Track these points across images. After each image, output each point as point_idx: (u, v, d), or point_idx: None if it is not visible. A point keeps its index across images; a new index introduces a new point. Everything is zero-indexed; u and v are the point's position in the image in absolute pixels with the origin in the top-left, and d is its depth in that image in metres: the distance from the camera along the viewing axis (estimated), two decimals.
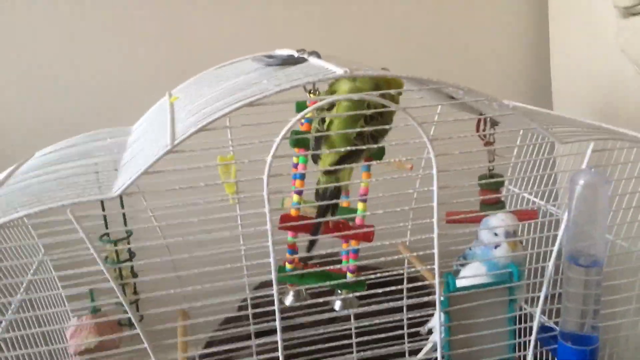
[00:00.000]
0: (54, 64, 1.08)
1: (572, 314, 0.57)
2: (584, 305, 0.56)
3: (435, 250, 0.56)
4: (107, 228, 0.73)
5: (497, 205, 0.70)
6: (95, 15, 1.07)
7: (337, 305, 0.72)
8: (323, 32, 1.15)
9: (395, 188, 0.58)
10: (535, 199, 0.77)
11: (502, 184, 0.70)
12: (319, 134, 0.57)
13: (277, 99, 0.50)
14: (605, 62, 0.94)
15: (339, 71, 0.51)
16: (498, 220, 0.64)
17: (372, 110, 0.54)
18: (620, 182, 0.63)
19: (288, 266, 0.69)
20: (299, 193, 0.65)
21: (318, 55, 0.61)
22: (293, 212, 0.64)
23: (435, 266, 0.56)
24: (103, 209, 0.71)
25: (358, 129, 0.56)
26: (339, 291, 0.71)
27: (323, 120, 0.58)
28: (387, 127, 0.57)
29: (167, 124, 0.54)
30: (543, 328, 0.64)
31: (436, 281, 0.57)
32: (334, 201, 0.60)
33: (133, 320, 0.52)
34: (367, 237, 0.64)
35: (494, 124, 0.67)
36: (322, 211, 0.61)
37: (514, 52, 1.23)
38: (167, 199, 0.59)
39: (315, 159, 0.62)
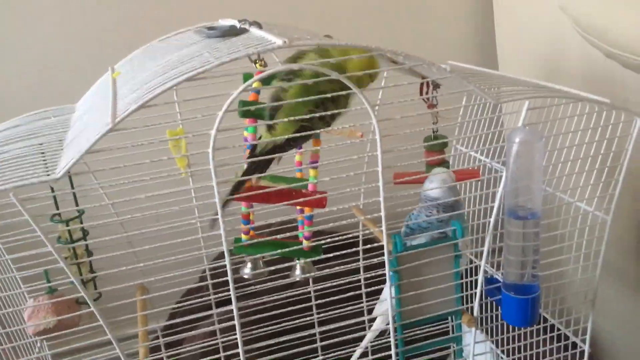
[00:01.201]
0: None
1: (512, 265, 0.60)
2: (524, 257, 0.59)
3: (382, 213, 0.58)
4: (57, 208, 0.72)
5: (442, 165, 0.72)
6: None
7: (297, 271, 0.74)
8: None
9: (346, 154, 0.60)
10: (481, 157, 0.80)
11: (445, 144, 0.72)
12: (276, 103, 0.58)
13: (219, 71, 0.50)
14: (546, 20, 0.96)
15: (278, 42, 0.51)
16: (436, 183, 0.66)
17: (323, 96, 0.54)
18: (559, 137, 0.66)
19: (243, 237, 0.70)
20: None
21: (259, 26, 0.61)
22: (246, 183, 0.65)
23: (383, 228, 0.58)
24: (52, 190, 0.70)
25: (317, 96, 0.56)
26: (297, 259, 0.72)
27: (283, 90, 0.58)
28: (342, 110, 0.57)
29: (109, 101, 0.53)
30: (489, 280, 0.67)
31: (384, 242, 0.59)
32: (264, 157, 0.59)
33: (86, 298, 0.53)
34: (320, 203, 0.66)
35: (436, 86, 0.69)
36: (251, 168, 0.60)
37: (458, 13, 1.24)
38: (117, 175, 0.59)
39: (269, 127, 0.62)
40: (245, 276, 0.74)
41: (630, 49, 0.71)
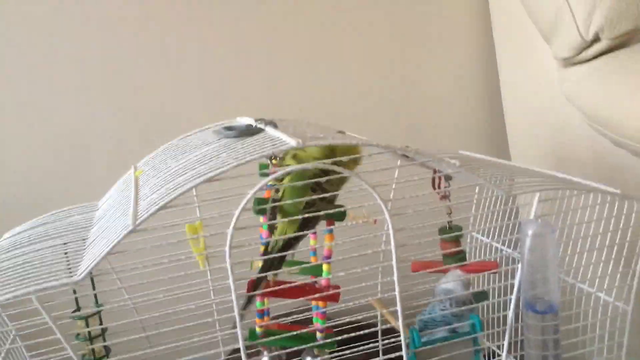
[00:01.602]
0: (11, 133, 1.08)
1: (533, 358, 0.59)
2: (544, 351, 0.58)
3: (399, 306, 0.58)
4: (78, 308, 0.73)
5: (458, 256, 0.72)
6: (62, 78, 1.08)
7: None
8: (285, 94, 1.19)
9: (361, 245, 0.61)
10: (498, 245, 0.80)
11: (460, 236, 0.73)
12: (273, 204, 0.60)
13: (235, 173, 0.52)
14: (554, 110, 0.98)
15: (292, 142, 0.54)
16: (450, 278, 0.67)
17: (313, 180, 0.57)
18: (573, 227, 0.67)
19: (258, 329, 0.70)
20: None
21: (275, 125, 0.64)
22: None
23: (400, 322, 0.58)
24: (74, 292, 0.72)
25: (307, 198, 0.59)
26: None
27: (277, 191, 0.60)
28: (335, 193, 0.59)
29: (131, 201, 0.56)
30: None
31: (402, 339, 0.58)
32: (277, 254, 0.61)
33: None
34: (334, 298, 0.66)
35: (448, 178, 0.70)
36: (266, 266, 0.62)
37: (469, 103, 1.28)
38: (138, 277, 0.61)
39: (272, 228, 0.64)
40: None
41: (637, 138, 0.73)
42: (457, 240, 0.73)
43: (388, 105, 1.23)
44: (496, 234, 0.81)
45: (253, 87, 1.16)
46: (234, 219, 0.52)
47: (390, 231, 0.56)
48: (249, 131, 0.65)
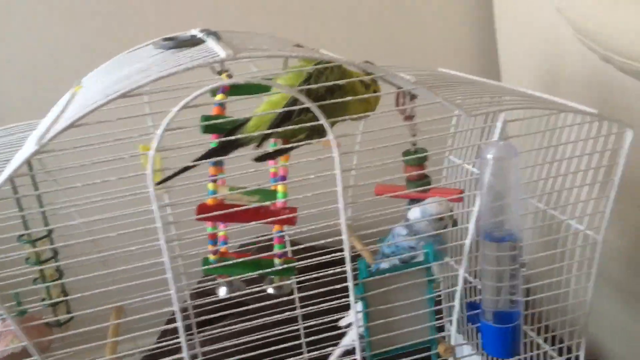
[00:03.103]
0: None
1: (489, 291, 0.55)
2: (498, 281, 0.54)
3: (344, 236, 0.54)
4: (25, 228, 0.70)
5: (422, 181, 0.67)
6: None
7: (270, 291, 0.71)
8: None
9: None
10: (471, 168, 0.74)
11: (424, 159, 0.67)
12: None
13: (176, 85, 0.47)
14: (545, 24, 0.90)
15: (222, 54, 0.48)
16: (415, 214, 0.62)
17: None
18: (556, 150, 0.61)
19: (211, 257, 0.66)
20: (214, 181, 0.62)
21: (217, 37, 0.58)
22: (210, 201, 0.62)
23: (346, 253, 0.54)
24: (20, 209, 0.69)
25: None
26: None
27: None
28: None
29: (49, 120, 0.51)
30: (472, 305, 0.62)
31: (347, 268, 0.55)
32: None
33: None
34: (290, 221, 0.62)
35: (413, 97, 0.64)
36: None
37: (457, 17, 1.19)
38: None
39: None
40: (221, 295, 0.71)
41: (625, 53, 0.66)
42: (421, 164, 0.67)
43: (369, 16, 1.14)
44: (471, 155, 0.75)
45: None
46: (156, 139, 0.47)
47: (335, 154, 0.51)
48: (189, 42, 0.59)
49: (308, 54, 0.51)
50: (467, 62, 1.20)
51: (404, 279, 0.57)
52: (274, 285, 0.72)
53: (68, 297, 0.75)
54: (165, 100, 0.52)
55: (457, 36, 1.20)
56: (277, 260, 0.66)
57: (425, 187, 0.66)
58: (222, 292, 0.71)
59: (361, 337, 0.58)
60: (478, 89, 0.66)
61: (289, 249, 0.76)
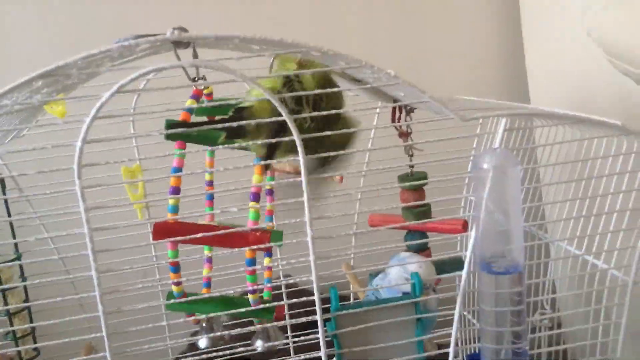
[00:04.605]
0: None
1: (487, 337, 0.44)
2: (498, 326, 0.43)
3: (314, 276, 0.45)
4: None
5: (421, 208, 0.58)
6: None
7: (258, 345, 0.61)
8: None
9: None
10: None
11: (422, 184, 0.58)
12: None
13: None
14: (576, 50, 0.82)
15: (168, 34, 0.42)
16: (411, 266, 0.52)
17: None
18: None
19: (175, 289, 0.57)
20: (176, 192, 0.54)
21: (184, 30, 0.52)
22: (170, 219, 0.54)
23: (316, 296, 0.45)
24: None
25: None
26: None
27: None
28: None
29: None
30: (471, 356, 0.52)
31: (316, 298, 0.45)
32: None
33: None
34: (260, 240, 0.53)
35: (410, 111, 0.56)
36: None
37: (488, 51, 1.12)
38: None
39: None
40: (202, 346, 0.61)
41: None
42: (419, 190, 0.58)
43: (409, 54, 1.08)
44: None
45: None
46: (83, 129, 0.40)
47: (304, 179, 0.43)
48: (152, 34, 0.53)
49: (271, 44, 0.43)
50: (495, 88, 1.11)
51: (385, 316, 0.47)
52: (268, 345, 0.61)
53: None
54: None
55: (486, 62, 1.12)
56: (251, 297, 0.56)
57: (426, 220, 0.56)
58: (203, 343, 0.61)
59: None
60: (489, 105, 0.57)
61: (270, 284, 0.65)
